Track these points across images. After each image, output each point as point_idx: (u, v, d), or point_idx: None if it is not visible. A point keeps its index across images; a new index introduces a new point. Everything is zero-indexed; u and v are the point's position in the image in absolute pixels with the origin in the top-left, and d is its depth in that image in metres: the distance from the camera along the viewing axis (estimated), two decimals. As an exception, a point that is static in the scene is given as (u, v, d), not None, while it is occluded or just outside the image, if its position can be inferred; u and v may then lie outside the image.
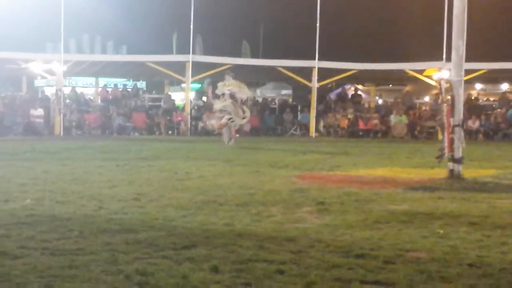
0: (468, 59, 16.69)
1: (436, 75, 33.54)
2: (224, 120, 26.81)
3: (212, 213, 10.50)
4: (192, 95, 39.23)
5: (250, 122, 37.05)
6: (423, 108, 40.55)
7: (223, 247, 8.06)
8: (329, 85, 44.75)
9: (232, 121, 26.83)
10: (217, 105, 27.22)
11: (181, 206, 11.05)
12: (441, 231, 9.16)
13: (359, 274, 7.05)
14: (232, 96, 26.72)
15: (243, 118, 27.40)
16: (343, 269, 7.23)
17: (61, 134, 33.48)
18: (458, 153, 15.55)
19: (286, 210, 10.92)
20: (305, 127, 37.66)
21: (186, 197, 12.12)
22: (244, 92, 27.18)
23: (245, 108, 27.39)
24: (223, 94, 26.94)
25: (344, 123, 37.37)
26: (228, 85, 27.03)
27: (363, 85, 48.65)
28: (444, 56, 33.45)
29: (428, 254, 7.88)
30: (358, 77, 41.79)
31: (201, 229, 9.17)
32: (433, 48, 35.28)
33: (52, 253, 7.70)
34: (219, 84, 27.65)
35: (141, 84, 50.15)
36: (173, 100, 40.56)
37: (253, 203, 11.51)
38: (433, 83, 35.55)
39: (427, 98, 45.53)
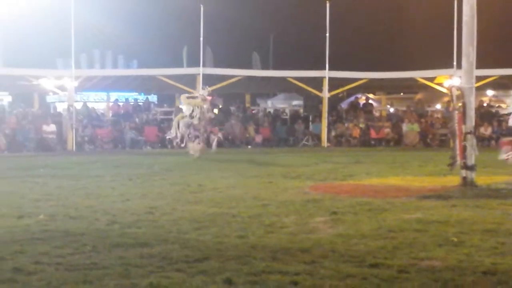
0: (479, 65, 16.65)
1: (447, 83, 33.47)
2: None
3: (225, 225, 10.50)
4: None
5: (262, 133, 37.14)
6: (435, 115, 40.46)
7: (236, 259, 8.05)
8: (340, 95, 44.73)
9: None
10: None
11: (194, 219, 11.04)
12: (455, 239, 9.13)
13: (374, 284, 7.04)
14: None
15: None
16: (357, 279, 7.21)
17: (74, 149, 33.52)
18: (471, 161, 15.51)
19: (300, 220, 10.90)
20: (317, 137, 37.60)
21: (199, 210, 12.11)
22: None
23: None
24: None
25: (356, 132, 37.31)
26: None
27: (374, 94, 48.65)
28: (454, 63, 33.36)
29: (442, 263, 7.86)
30: (369, 86, 41.77)
31: (214, 241, 9.17)
32: (443, 55, 35.25)
33: (66, 269, 7.71)
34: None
35: (152, 98, 50.26)
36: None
37: (266, 214, 11.51)
38: (444, 90, 35.48)
39: (438, 106, 45.47)
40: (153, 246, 8.83)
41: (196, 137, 26.52)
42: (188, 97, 27.49)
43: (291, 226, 10.37)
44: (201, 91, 27.89)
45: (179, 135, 26.78)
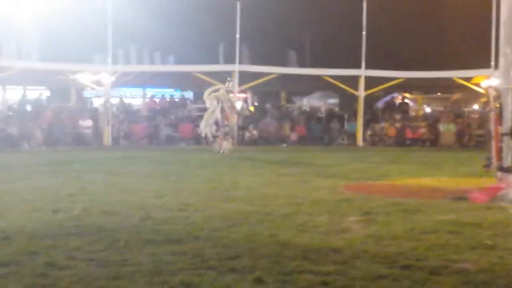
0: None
1: (484, 83, 33.16)
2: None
3: (257, 223, 10.50)
4: (239, 104, 39.26)
5: (297, 131, 37.05)
6: (472, 116, 40.11)
7: (267, 258, 8.04)
8: (378, 94, 44.47)
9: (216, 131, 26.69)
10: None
11: (227, 217, 11.06)
12: (490, 242, 9.04)
13: (405, 286, 7.01)
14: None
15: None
16: (388, 280, 7.18)
17: (110, 144, 33.74)
18: (507, 162, 15.33)
19: (332, 220, 10.86)
20: (352, 136, 37.46)
21: (232, 208, 12.12)
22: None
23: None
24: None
25: (392, 132, 37.11)
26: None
27: (410, 93, 48.33)
28: (492, 63, 33.03)
29: (475, 265, 7.79)
30: (405, 86, 41.46)
31: (246, 239, 9.17)
32: (481, 55, 34.90)
33: (98, 264, 7.76)
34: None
35: (188, 94, 50.35)
36: (219, 109, 40.49)
37: (298, 213, 11.50)
38: (481, 91, 35.17)
39: (476, 106, 45.07)
40: (185, 243, 8.86)
41: (226, 133, 26.44)
42: (210, 92, 27.39)
43: (323, 226, 10.34)
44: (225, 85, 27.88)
45: (207, 131, 26.79)
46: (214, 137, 26.79)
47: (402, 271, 7.51)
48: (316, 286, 6.97)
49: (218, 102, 26.54)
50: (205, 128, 26.79)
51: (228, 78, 31.57)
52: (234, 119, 27.11)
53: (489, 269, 7.62)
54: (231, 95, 27.55)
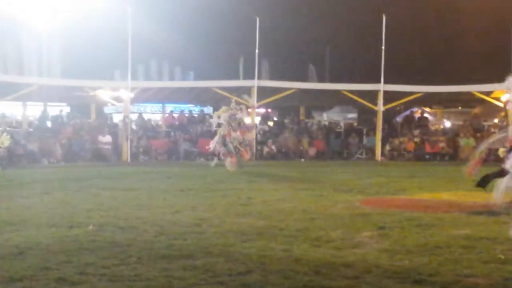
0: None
1: (504, 97, 32.96)
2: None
3: (271, 238, 10.51)
4: (257, 119, 39.30)
5: (316, 146, 37.02)
6: (492, 130, 39.88)
7: (279, 273, 8.06)
8: (397, 108, 44.39)
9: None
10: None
11: (241, 232, 11.08)
12: (503, 257, 9.01)
13: (416, 301, 7.01)
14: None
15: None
16: (399, 296, 7.18)
17: (129, 160, 33.81)
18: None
19: (346, 235, 10.87)
20: (371, 151, 37.36)
21: (247, 223, 12.14)
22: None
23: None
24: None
25: (411, 146, 36.99)
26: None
27: (430, 107, 48.20)
28: (513, 78, 32.81)
29: (487, 280, 7.77)
30: (425, 100, 41.37)
31: (259, 254, 9.19)
32: (502, 69, 34.74)
33: (110, 279, 7.81)
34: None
35: (208, 110, 50.49)
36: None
37: (313, 228, 11.50)
38: (502, 105, 34.97)
39: (496, 120, 44.83)
40: (197, 259, 8.89)
41: (234, 149, 26.36)
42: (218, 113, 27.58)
43: (337, 240, 10.34)
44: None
45: (216, 148, 26.84)
46: (227, 153, 26.79)
47: (413, 286, 7.52)
48: (326, 301, 6.99)
49: (219, 124, 26.63)
50: (214, 146, 26.87)
51: (234, 94, 31.59)
52: (239, 136, 26.92)
53: (501, 284, 7.61)
54: (239, 112, 27.36)
